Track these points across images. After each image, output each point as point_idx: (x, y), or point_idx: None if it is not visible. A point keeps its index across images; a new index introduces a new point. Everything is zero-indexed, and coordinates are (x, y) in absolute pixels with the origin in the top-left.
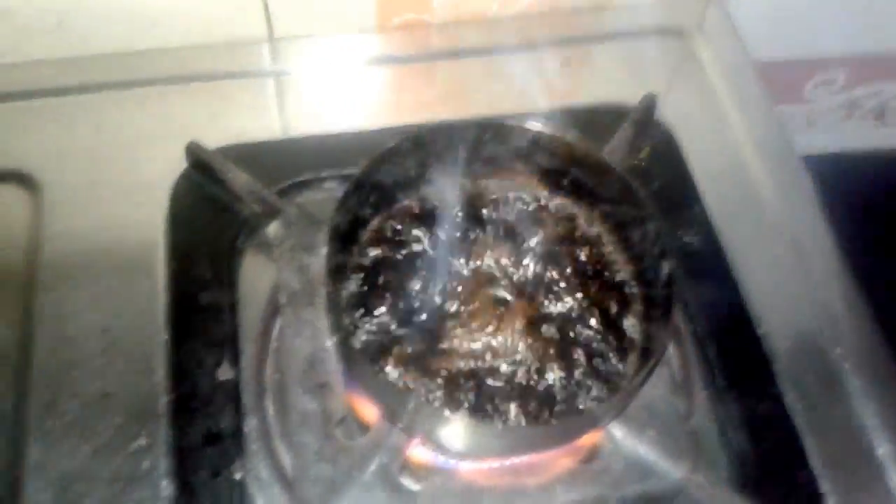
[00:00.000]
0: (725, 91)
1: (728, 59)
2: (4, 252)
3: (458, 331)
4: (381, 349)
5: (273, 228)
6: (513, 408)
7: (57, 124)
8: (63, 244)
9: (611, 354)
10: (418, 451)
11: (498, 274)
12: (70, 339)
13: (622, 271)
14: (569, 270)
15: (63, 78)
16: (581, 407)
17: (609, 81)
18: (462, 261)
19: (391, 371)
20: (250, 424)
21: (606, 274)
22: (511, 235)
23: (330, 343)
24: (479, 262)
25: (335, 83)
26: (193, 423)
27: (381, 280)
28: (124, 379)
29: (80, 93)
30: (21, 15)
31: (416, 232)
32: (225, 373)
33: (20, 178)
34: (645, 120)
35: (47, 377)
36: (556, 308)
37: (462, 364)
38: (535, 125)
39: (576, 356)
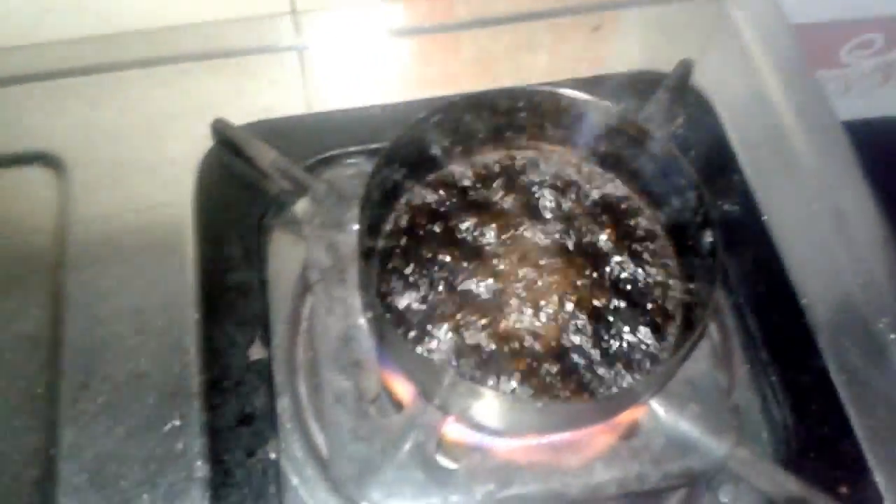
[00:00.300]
0: (761, 55)
1: (763, 23)
2: (33, 234)
3: (494, 305)
4: (415, 325)
5: (301, 206)
6: (552, 383)
7: (81, 104)
8: (91, 224)
9: (652, 328)
10: (454, 429)
11: (534, 246)
12: (101, 319)
13: (662, 241)
14: (608, 242)
15: (86, 57)
16: (621, 382)
17: (642, 48)
18: (497, 233)
19: (426, 347)
20: (283, 404)
21: (647, 244)
22: (547, 206)
23: (363, 320)
24: (514, 233)
25: (359, 56)
26: (226, 402)
27: (414, 255)
28: (156, 359)
29: (104, 72)
30: None
31: (448, 204)
32: (257, 352)
33: (46, 159)
34: (680, 86)
35: (79, 359)
36: (595, 281)
37: (499, 339)
38: (568, 92)
39: (616, 330)
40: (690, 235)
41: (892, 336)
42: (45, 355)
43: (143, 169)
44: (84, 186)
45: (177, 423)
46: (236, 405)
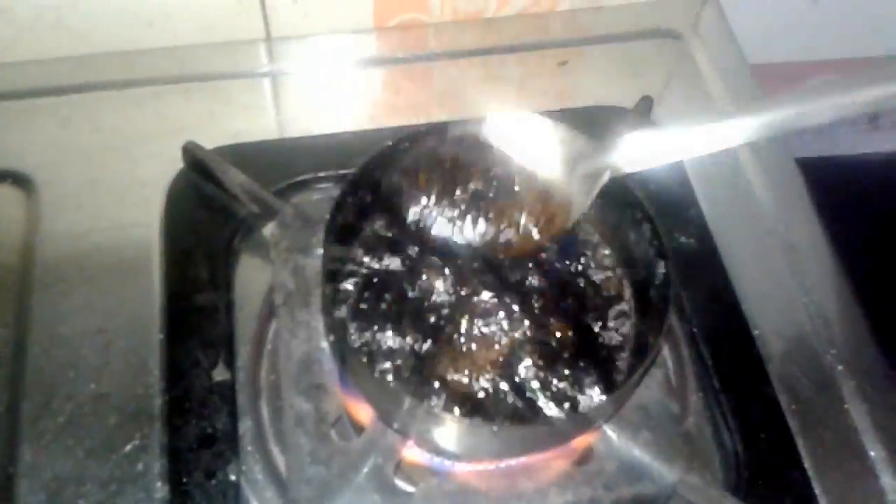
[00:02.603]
0: (721, 93)
1: (723, 61)
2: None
3: (453, 332)
4: (376, 350)
5: (269, 229)
6: (507, 409)
7: (54, 124)
8: (59, 244)
9: (606, 355)
10: (413, 453)
11: (494, 274)
12: (65, 339)
13: (619, 272)
14: (565, 271)
15: (60, 77)
16: (575, 407)
17: (606, 83)
18: (458, 261)
19: (385, 372)
20: (245, 426)
21: (603, 275)
22: (505, 235)
23: (325, 344)
24: (476, 263)
25: (332, 83)
26: (188, 424)
27: (376, 281)
28: (119, 380)
29: (78, 92)
30: (19, 14)
31: (412, 232)
32: (220, 374)
33: (16, 178)
34: (642, 122)
35: (42, 378)
36: (551, 309)
37: (457, 365)
38: (534, 117)
39: (571, 357)
40: (645, 267)
41: (840, 367)
42: (8, 373)
43: (113, 189)
44: (53, 206)
45: (137, 443)
46: (198, 427)
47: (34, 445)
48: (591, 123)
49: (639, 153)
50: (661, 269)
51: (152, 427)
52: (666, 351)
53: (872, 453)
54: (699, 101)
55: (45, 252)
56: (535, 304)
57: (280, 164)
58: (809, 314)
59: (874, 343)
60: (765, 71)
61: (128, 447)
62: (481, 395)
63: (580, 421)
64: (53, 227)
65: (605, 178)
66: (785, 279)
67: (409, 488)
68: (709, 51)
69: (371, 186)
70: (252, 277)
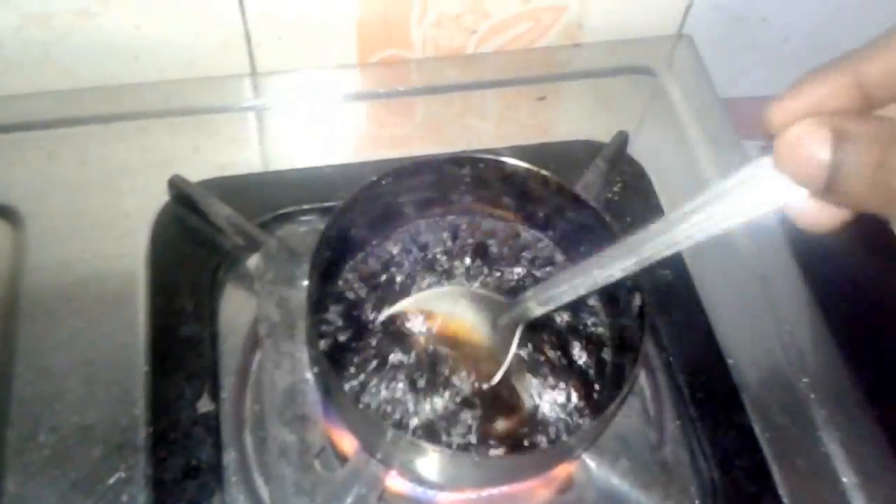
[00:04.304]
0: (694, 127)
1: (696, 97)
2: None
3: (436, 364)
4: (359, 381)
5: (254, 261)
6: (488, 439)
7: (40, 157)
8: (44, 276)
9: (584, 385)
10: (396, 482)
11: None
12: (50, 371)
13: (595, 303)
14: None
15: (47, 111)
16: (554, 437)
17: (583, 117)
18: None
19: (368, 402)
20: (229, 457)
21: (579, 305)
22: (487, 268)
23: (309, 375)
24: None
25: (316, 117)
26: (173, 455)
27: (361, 314)
28: (104, 411)
29: (64, 126)
30: (6, 48)
31: (395, 265)
32: (205, 405)
33: (3, 211)
34: (617, 156)
35: (27, 409)
36: (529, 340)
37: (439, 396)
38: (511, 160)
39: (549, 387)
40: (621, 298)
41: (813, 395)
42: None
43: (99, 222)
44: (39, 238)
45: (122, 475)
46: (182, 458)
47: (19, 477)
48: (568, 157)
49: (545, 299)
50: (636, 301)
51: (137, 459)
52: (643, 380)
53: (845, 479)
54: (673, 135)
55: (32, 284)
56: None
57: (264, 197)
58: (782, 343)
59: (846, 372)
60: (737, 105)
61: (112, 479)
62: (463, 425)
63: (560, 450)
64: (40, 259)
65: (520, 330)
66: (758, 309)
67: None
68: (682, 86)
69: (356, 219)
70: (236, 309)
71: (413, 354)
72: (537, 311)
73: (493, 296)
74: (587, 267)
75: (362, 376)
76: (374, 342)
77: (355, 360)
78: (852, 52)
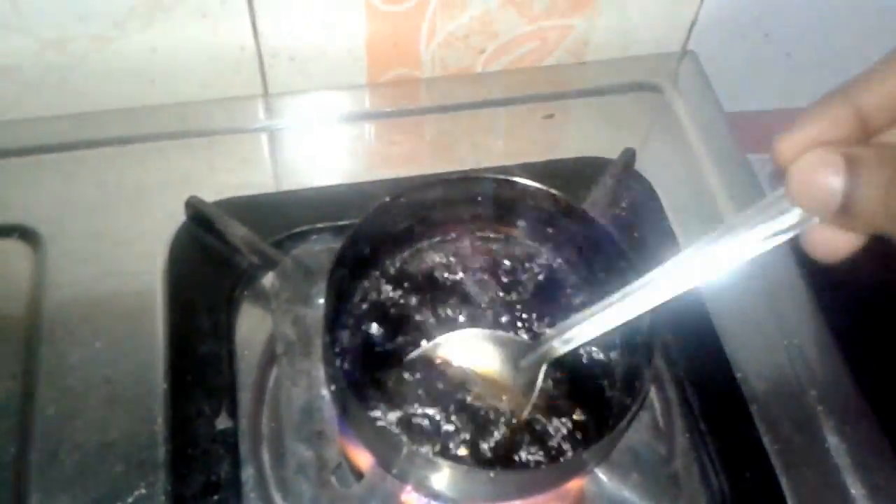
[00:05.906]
0: (700, 142)
1: (701, 112)
2: (7, 305)
3: (450, 380)
4: (375, 397)
5: (269, 280)
6: (503, 454)
7: (59, 179)
8: (64, 297)
9: (594, 400)
10: (412, 498)
11: (485, 322)
12: (71, 390)
13: None
14: (553, 319)
15: (65, 134)
16: (568, 452)
17: (590, 135)
18: (448, 310)
19: (384, 419)
20: (247, 473)
21: None
22: (499, 284)
23: (326, 392)
24: (463, 311)
25: (328, 137)
26: (192, 472)
27: (376, 331)
28: (125, 429)
29: (82, 148)
30: (25, 72)
31: (409, 283)
32: (223, 422)
33: (23, 232)
34: (624, 172)
35: (49, 428)
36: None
37: (454, 411)
38: (522, 180)
39: (561, 402)
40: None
41: (821, 407)
42: (16, 424)
43: (117, 242)
44: (59, 259)
45: (143, 491)
46: (202, 474)
47: (42, 495)
48: (576, 174)
49: (567, 339)
50: (646, 317)
51: (157, 475)
52: (653, 394)
53: (853, 491)
54: (680, 150)
55: (52, 304)
56: None
57: (279, 217)
58: (790, 357)
59: (854, 384)
60: (741, 119)
61: (133, 496)
62: (477, 439)
63: (574, 465)
64: (59, 279)
65: (544, 369)
66: (766, 323)
67: None
68: (688, 102)
69: (371, 238)
70: (253, 327)
71: (433, 378)
72: (560, 350)
73: (515, 338)
74: (607, 305)
75: (378, 391)
76: (388, 357)
77: (371, 375)
78: (850, 82)
